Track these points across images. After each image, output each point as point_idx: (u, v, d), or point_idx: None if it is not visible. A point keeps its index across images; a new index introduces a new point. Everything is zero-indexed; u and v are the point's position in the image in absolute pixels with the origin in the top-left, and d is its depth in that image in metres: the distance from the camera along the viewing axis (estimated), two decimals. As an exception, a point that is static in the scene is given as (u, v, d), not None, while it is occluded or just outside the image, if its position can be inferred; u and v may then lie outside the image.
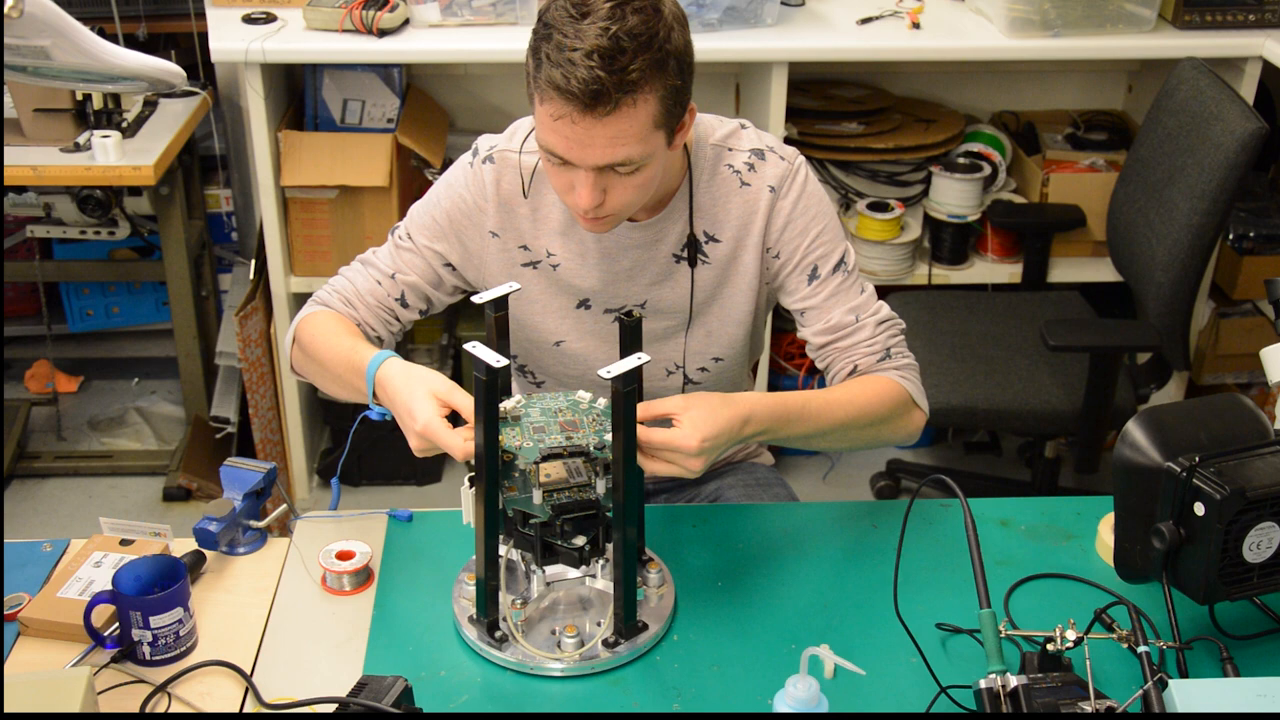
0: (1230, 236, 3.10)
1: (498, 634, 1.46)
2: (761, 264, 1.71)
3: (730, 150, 1.69)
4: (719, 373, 1.78)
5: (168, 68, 1.50)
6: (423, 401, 1.47)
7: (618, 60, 1.42)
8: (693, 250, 1.68)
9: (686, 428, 1.44)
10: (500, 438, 1.42)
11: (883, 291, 2.90)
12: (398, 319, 1.75)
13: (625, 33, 1.42)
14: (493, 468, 1.40)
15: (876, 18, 2.93)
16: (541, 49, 1.45)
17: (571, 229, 1.69)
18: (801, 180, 1.69)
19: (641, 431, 1.41)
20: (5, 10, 1.17)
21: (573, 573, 1.52)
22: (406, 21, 2.83)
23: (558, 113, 1.45)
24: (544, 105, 1.46)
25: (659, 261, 1.70)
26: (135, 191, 3.06)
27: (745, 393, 1.55)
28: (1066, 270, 3.13)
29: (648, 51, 1.44)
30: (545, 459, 1.41)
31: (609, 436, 1.41)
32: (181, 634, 1.45)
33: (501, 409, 1.44)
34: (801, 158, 1.71)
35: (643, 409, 1.42)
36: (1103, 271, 3.05)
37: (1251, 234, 3.09)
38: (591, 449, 1.43)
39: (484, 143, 1.72)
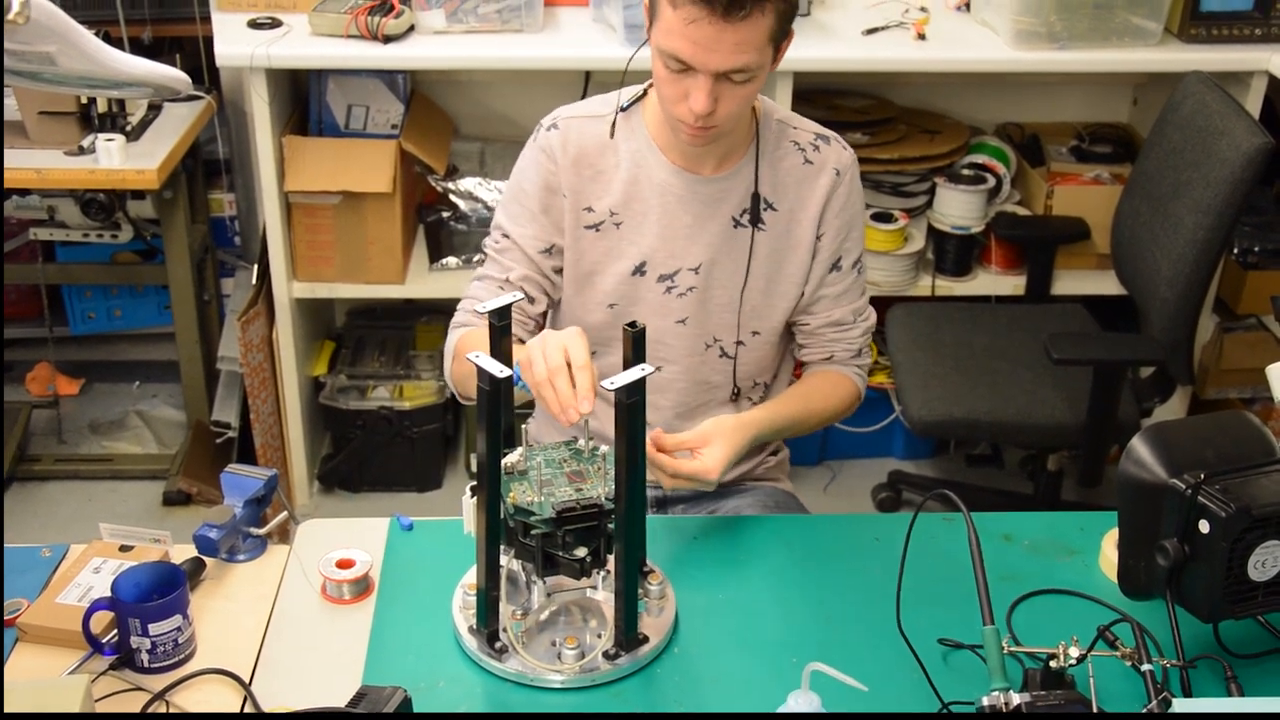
0: (1235, 251, 3.09)
1: (498, 645, 1.45)
2: (813, 240, 1.81)
3: (795, 128, 1.81)
4: (754, 348, 1.85)
5: (173, 74, 1.49)
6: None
7: None
8: (755, 208, 1.77)
9: (708, 461, 1.62)
10: (511, 495, 1.42)
11: (886, 302, 2.92)
12: (530, 317, 1.83)
13: None
14: (494, 477, 1.39)
15: (882, 28, 2.93)
16: None
17: (634, 188, 1.78)
18: (858, 174, 1.84)
19: (671, 463, 1.60)
20: (11, 16, 1.16)
21: (574, 583, 1.51)
22: (412, 28, 2.83)
23: (692, 16, 1.55)
24: (677, 11, 1.56)
25: (719, 222, 1.78)
26: (138, 195, 3.05)
27: (753, 413, 1.73)
28: (1070, 283, 3.12)
29: None
30: (561, 513, 1.41)
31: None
32: (180, 641, 1.44)
33: (506, 463, 1.45)
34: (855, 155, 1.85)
35: (672, 441, 1.62)
36: (1106, 285, 3.04)
37: (1256, 248, 3.09)
38: (604, 500, 1.43)
39: (547, 118, 1.82)
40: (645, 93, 1.80)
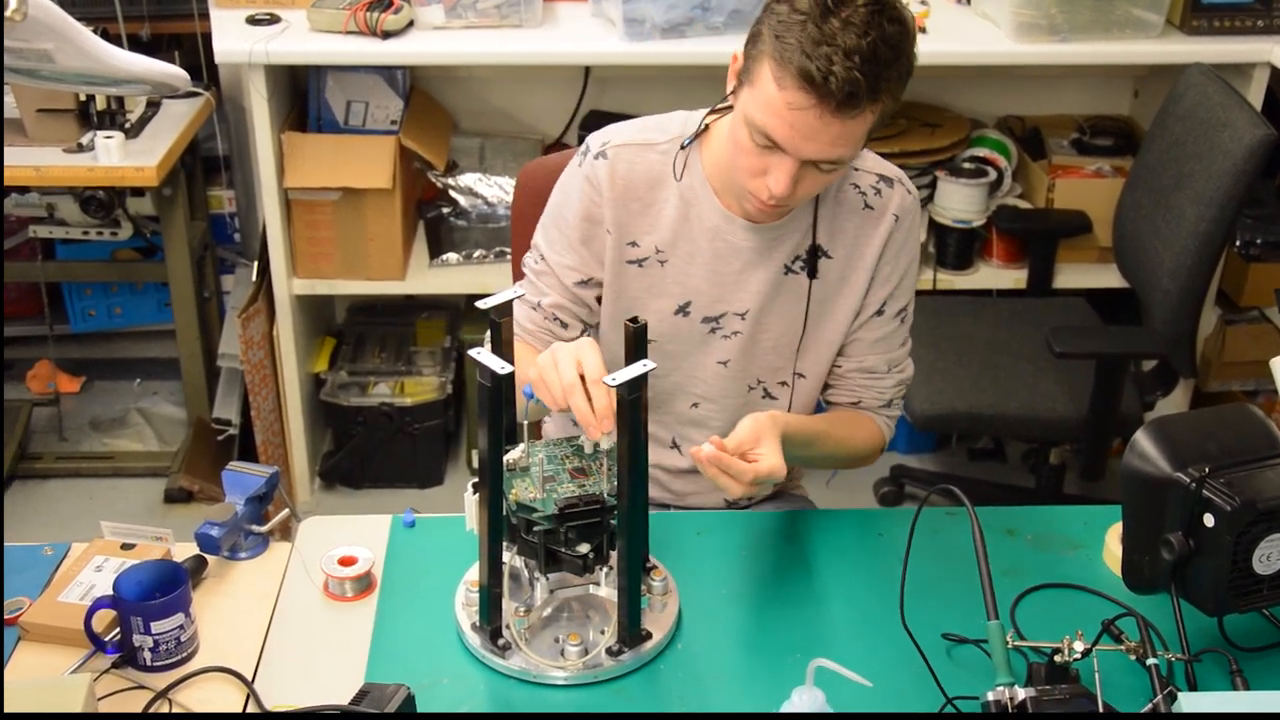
0: (1237, 243, 3.08)
1: (501, 642, 1.45)
2: (866, 286, 1.71)
3: (856, 170, 1.70)
4: (800, 390, 1.78)
5: (171, 71, 1.49)
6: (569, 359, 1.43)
7: (873, 67, 1.42)
8: (813, 259, 1.69)
9: (772, 458, 1.47)
10: (513, 492, 1.42)
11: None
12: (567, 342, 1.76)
13: (883, 40, 1.43)
14: (496, 474, 1.39)
15: (883, 22, 2.92)
16: (790, 34, 1.43)
17: (684, 227, 1.69)
18: (919, 219, 1.73)
19: (751, 468, 1.45)
20: (8, 14, 1.16)
21: (576, 580, 1.51)
22: (411, 23, 2.82)
23: (799, 103, 1.44)
24: (783, 92, 1.45)
25: (770, 270, 1.70)
26: (138, 192, 3.05)
27: (781, 414, 1.58)
28: (1072, 276, 3.12)
29: (897, 63, 1.46)
30: (563, 510, 1.40)
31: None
32: (183, 640, 1.44)
33: (508, 459, 1.44)
34: (918, 196, 1.74)
35: (733, 444, 1.46)
36: (1108, 278, 3.03)
37: (1258, 240, 3.08)
38: (606, 496, 1.42)
39: (595, 141, 1.71)
40: (706, 127, 1.69)
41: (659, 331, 1.73)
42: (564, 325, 1.75)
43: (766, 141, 1.50)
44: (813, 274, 1.69)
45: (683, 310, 1.72)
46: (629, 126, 1.73)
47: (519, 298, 1.76)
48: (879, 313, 1.74)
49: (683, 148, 1.68)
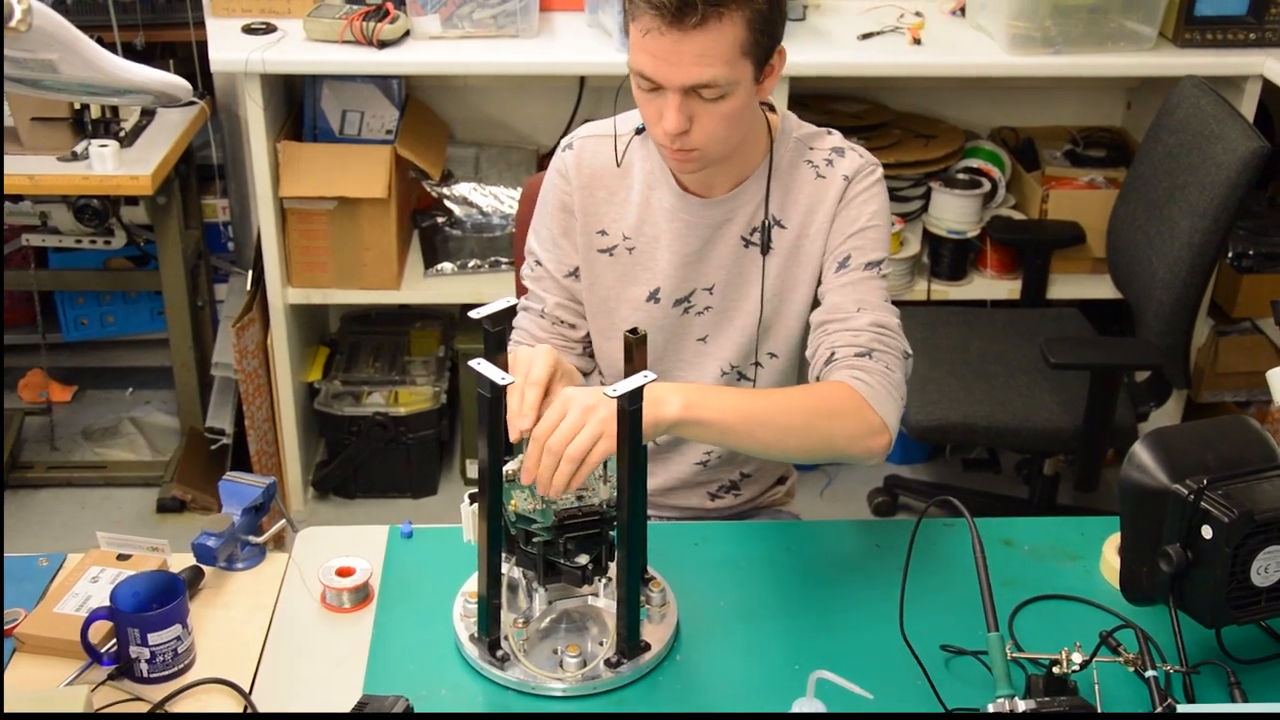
0: (1230, 255, 3.10)
1: (499, 653, 1.45)
2: (822, 252, 1.72)
3: (812, 149, 1.73)
4: (772, 370, 1.78)
5: (174, 81, 1.49)
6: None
7: None
8: (766, 234, 1.71)
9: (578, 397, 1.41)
10: (511, 503, 1.42)
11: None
12: (573, 341, 1.80)
13: None
14: (495, 485, 1.39)
15: (877, 33, 2.93)
16: None
17: (646, 212, 1.73)
18: (876, 177, 1.72)
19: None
20: (13, 24, 1.15)
21: (575, 591, 1.50)
22: (407, 33, 2.82)
23: (647, 27, 1.51)
24: (635, 24, 1.53)
25: (727, 243, 1.73)
26: (132, 201, 3.04)
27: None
28: (1066, 287, 3.13)
29: None
30: (562, 521, 1.40)
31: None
32: (179, 651, 1.43)
33: (507, 470, 1.44)
34: (880, 166, 1.74)
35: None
36: (1102, 289, 3.05)
37: (1251, 252, 3.09)
38: (605, 507, 1.42)
39: (565, 138, 1.79)
40: None
41: (636, 320, 1.75)
42: (572, 326, 1.80)
43: (649, 84, 1.55)
44: (766, 249, 1.72)
45: (653, 297, 1.76)
46: (598, 122, 1.79)
47: (526, 309, 1.79)
48: (844, 265, 1.68)
49: (638, 132, 1.74)
